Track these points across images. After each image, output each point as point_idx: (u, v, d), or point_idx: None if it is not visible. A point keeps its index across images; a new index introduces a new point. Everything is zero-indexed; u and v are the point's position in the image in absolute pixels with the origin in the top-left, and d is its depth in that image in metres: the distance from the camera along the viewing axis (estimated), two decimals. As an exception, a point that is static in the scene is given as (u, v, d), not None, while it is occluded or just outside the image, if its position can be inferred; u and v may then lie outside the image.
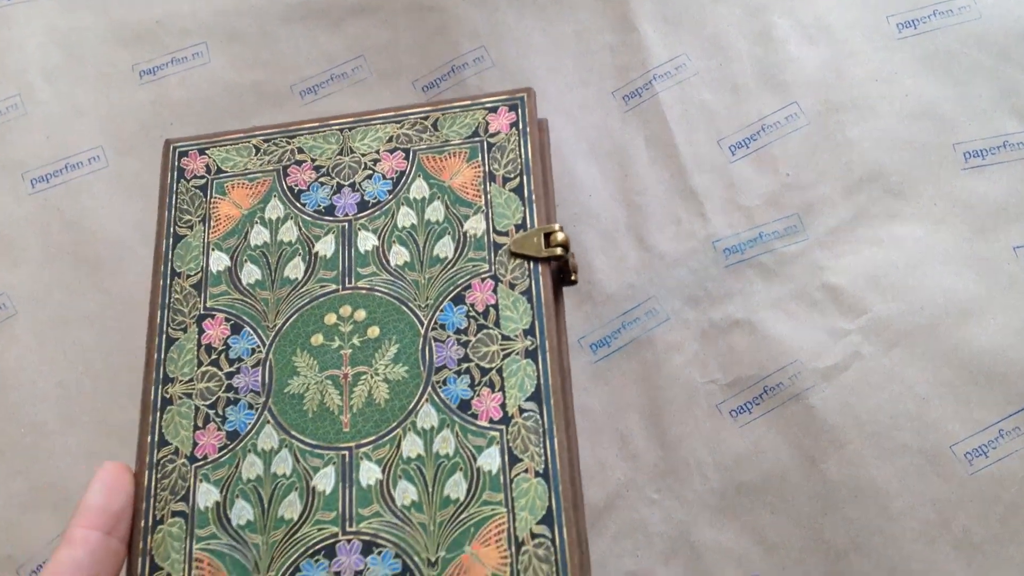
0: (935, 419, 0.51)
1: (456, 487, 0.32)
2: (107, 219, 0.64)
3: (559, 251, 0.36)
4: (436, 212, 0.38)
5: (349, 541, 0.32)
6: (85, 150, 0.66)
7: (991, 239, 0.54)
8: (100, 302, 0.62)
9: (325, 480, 0.33)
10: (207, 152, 0.41)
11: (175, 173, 0.41)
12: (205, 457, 0.34)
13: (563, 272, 0.38)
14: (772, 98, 0.60)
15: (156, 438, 0.35)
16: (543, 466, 0.32)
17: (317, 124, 0.40)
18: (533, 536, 0.31)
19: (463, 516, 0.32)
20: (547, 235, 0.36)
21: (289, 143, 0.40)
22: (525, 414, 0.33)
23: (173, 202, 0.40)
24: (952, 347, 0.52)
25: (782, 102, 0.59)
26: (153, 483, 0.34)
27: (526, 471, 0.32)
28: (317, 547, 0.32)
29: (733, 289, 0.56)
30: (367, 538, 0.32)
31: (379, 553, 0.32)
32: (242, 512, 0.33)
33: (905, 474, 0.50)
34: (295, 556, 0.32)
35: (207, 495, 0.34)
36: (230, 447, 0.34)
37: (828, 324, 0.54)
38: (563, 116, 0.62)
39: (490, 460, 0.33)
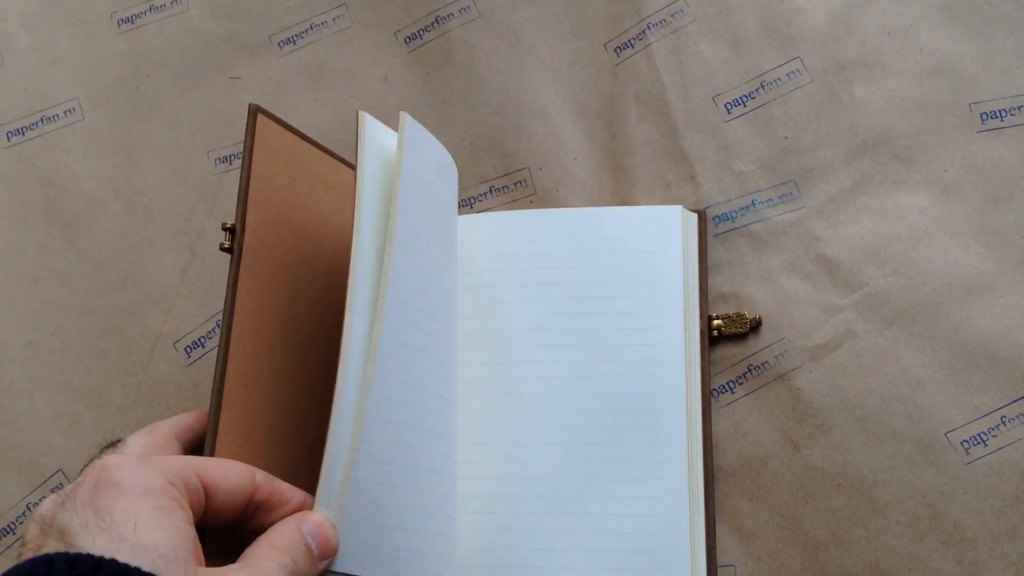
0: (930, 404, 0.47)
1: None
2: (81, 175, 0.62)
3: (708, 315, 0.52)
4: None
5: None
6: (61, 102, 0.64)
7: (1004, 210, 0.50)
8: (71, 260, 0.60)
9: None
10: None
11: None
12: None
13: (712, 331, 0.51)
14: (774, 52, 0.55)
15: None
16: None
17: None
18: None
19: None
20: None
21: None
22: None
23: None
24: (953, 327, 0.48)
25: (785, 57, 0.55)
26: None
27: None
28: None
29: (721, 260, 0.53)
30: None
31: None
32: None
33: (894, 463, 0.47)
34: None
35: None
36: None
37: (821, 299, 0.50)
38: (551, 73, 0.58)
39: None
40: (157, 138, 0.62)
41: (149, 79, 0.64)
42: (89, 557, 0.28)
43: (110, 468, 0.32)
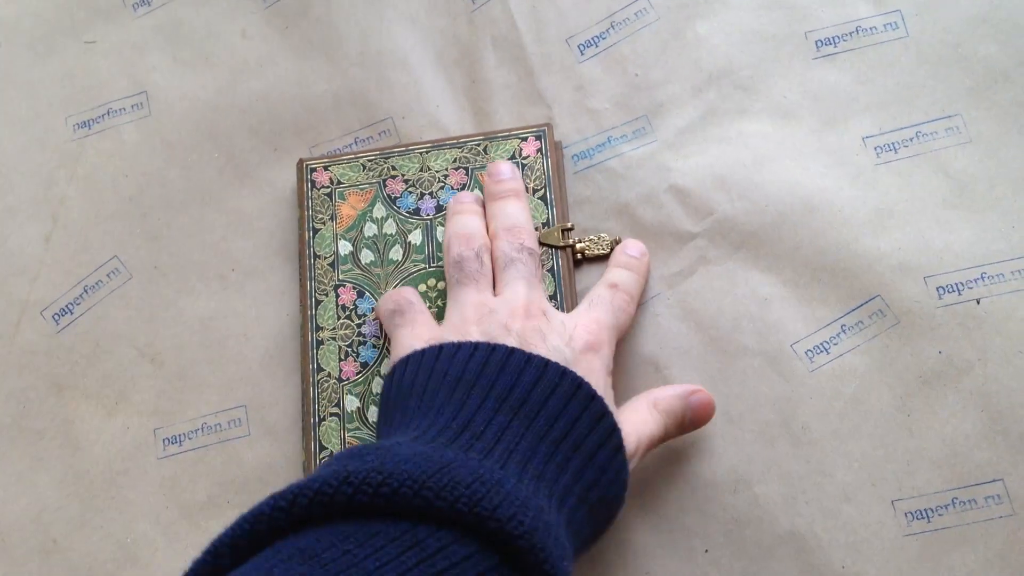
0: (777, 319, 0.50)
1: None
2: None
3: (572, 241, 0.52)
4: None
5: None
6: (-91, 77, 0.62)
7: (841, 130, 0.52)
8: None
9: None
10: (330, 169, 0.55)
11: (309, 184, 0.55)
12: (348, 379, 0.51)
13: (576, 254, 0.52)
14: (623, -8, 0.57)
15: (315, 366, 0.51)
16: None
17: (404, 149, 0.55)
18: None
19: None
20: (564, 230, 0.52)
21: (386, 162, 0.54)
22: None
23: (310, 204, 0.54)
24: (796, 245, 0.51)
25: (633, -4, 0.56)
26: (315, 395, 0.51)
27: None
28: None
29: (581, 196, 0.54)
30: None
31: None
32: (374, 414, 0.50)
33: (746, 376, 0.49)
34: None
35: (351, 403, 0.51)
36: (363, 372, 0.51)
37: (675, 228, 0.52)
38: (409, 23, 0.59)
39: None
40: (13, 108, 0.61)
41: (2, 48, 0.62)
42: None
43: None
